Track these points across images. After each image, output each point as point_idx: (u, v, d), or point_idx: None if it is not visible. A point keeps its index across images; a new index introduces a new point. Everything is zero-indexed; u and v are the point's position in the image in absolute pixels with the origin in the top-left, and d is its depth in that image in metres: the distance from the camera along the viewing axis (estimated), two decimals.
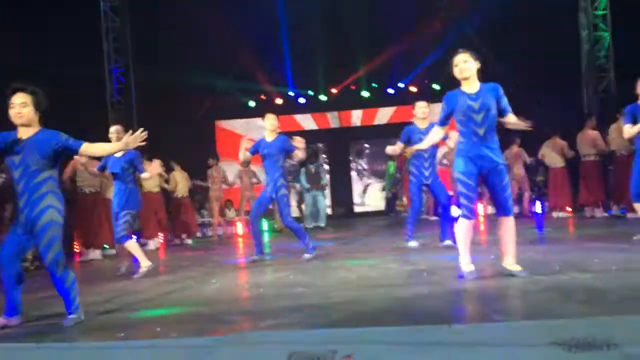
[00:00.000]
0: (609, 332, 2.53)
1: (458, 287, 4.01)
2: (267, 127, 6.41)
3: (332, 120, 16.20)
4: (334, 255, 6.70)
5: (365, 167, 16.55)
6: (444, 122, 4.51)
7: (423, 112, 6.45)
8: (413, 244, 6.61)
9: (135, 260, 6.06)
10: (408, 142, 6.44)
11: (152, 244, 9.66)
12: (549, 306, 3.29)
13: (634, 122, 5.81)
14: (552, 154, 10.06)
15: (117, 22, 13.11)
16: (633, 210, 7.05)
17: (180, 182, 10.36)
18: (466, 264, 4.32)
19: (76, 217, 8.32)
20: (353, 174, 16.40)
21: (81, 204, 8.44)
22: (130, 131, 4.02)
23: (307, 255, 6.28)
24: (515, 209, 10.81)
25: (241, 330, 3.17)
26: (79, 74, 11.30)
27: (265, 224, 11.94)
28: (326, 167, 11.46)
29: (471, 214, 4.29)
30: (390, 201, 14.67)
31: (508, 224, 4.27)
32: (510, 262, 4.27)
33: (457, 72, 4.27)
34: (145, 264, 5.90)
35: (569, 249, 5.65)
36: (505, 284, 4.04)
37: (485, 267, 4.70)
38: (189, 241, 10.47)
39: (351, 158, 16.41)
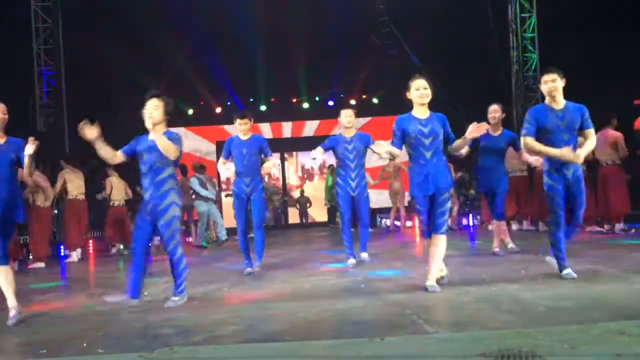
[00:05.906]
0: (534, 343, 2.62)
1: (394, 300, 4.05)
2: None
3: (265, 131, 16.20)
4: (272, 267, 6.63)
5: None
6: (399, 144, 4.41)
7: (348, 122, 6.21)
8: (351, 261, 6.18)
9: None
10: (332, 150, 6.24)
11: (75, 255, 9.01)
12: (479, 317, 3.38)
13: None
14: None
15: (49, 24, 12.60)
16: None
17: (117, 188, 9.88)
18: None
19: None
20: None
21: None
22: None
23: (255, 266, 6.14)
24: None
25: (171, 345, 3.06)
26: (6, 74, 10.78)
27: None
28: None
29: (423, 233, 4.46)
30: (331, 212, 14.77)
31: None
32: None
33: (416, 96, 4.33)
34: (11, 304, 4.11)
35: (498, 261, 5.84)
36: (438, 295, 4.12)
37: (421, 278, 4.78)
38: (125, 252, 10.04)
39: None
